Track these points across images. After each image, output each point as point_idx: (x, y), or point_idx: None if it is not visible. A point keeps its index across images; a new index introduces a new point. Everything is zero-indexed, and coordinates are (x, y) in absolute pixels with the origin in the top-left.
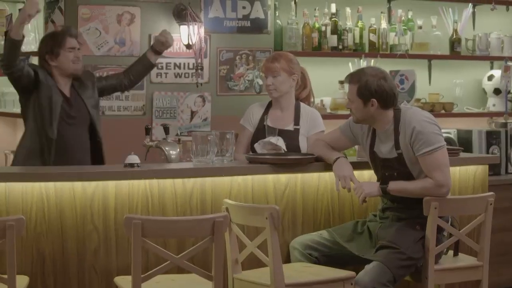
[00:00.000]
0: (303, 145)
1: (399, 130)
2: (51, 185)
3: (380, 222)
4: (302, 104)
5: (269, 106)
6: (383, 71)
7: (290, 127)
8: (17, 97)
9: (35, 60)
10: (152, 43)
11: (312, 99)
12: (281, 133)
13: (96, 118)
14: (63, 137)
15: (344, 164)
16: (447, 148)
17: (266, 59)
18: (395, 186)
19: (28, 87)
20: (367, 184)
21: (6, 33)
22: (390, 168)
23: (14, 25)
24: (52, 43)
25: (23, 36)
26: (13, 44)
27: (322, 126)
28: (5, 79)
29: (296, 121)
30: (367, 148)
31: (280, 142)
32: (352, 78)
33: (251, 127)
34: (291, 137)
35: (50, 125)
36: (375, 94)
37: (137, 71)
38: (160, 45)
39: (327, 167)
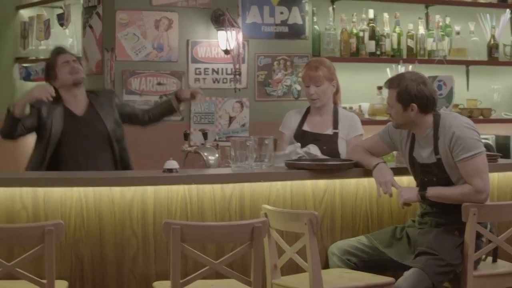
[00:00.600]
0: (342, 149)
1: (439, 135)
2: (90, 190)
3: (418, 227)
4: (340, 108)
5: (307, 112)
6: (423, 75)
7: (329, 131)
8: None
9: None
10: (182, 91)
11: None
12: (320, 137)
13: (114, 133)
14: (75, 155)
15: (384, 169)
16: (486, 154)
17: (307, 67)
18: (433, 192)
19: (36, 131)
20: (406, 190)
21: (8, 109)
22: (429, 174)
23: (18, 103)
24: (47, 69)
25: (25, 113)
26: (14, 120)
27: (360, 130)
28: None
29: (335, 125)
30: (406, 153)
31: (313, 149)
32: (392, 83)
33: (289, 133)
34: (330, 141)
35: (46, 145)
36: (415, 99)
37: (159, 113)
38: (184, 95)
39: (366, 172)
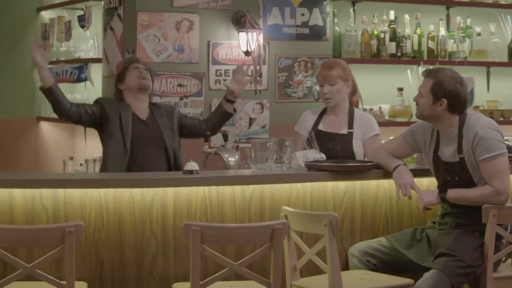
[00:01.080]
0: (357, 149)
1: (463, 134)
2: (110, 191)
3: (439, 229)
4: (355, 109)
5: (323, 112)
6: (461, 76)
7: (344, 131)
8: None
9: (94, 67)
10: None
11: (360, 105)
12: (335, 137)
13: (170, 144)
14: (139, 158)
15: (404, 171)
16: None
17: (321, 67)
18: (454, 194)
19: (96, 124)
20: (426, 193)
21: (41, 88)
22: (452, 173)
23: (39, 76)
24: (118, 73)
25: (54, 81)
26: (47, 93)
27: (377, 129)
28: (63, 86)
29: (350, 125)
30: (430, 153)
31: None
32: (431, 73)
33: (305, 133)
34: (345, 141)
35: (124, 147)
36: (448, 95)
37: (215, 120)
38: (230, 95)
39: (386, 174)
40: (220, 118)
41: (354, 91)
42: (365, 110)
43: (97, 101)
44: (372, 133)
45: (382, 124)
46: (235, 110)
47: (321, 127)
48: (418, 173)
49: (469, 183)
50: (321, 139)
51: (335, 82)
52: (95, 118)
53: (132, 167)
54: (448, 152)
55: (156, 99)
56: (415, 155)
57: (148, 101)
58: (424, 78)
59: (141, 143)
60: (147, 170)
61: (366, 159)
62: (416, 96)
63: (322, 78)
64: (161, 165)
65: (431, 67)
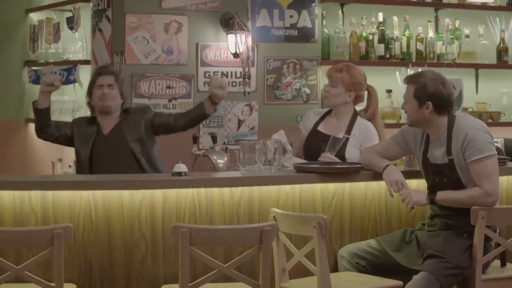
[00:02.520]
0: (350, 155)
1: (452, 136)
2: (98, 193)
3: (428, 230)
4: (359, 117)
5: (327, 113)
6: (443, 76)
7: (341, 135)
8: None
9: (82, 69)
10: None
11: (379, 123)
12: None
13: (139, 152)
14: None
15: (394, 170)
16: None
17: (333, 66)
18: (443, 196)
19: (71, 144)
20: (415, 192)
21: (33, 105)
22: (440, 174)
23: (39, 96)
24: (88, 86)
25: (49, 105)
26: (38, 113)
27: (375, 140)
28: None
29: (348, 130)
30: (420, 155)
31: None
32: (411, 79)
33: (305, 132)
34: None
35: (83, 167)
36: (432, 98)
37: (190, 117)
38: (215, 97)
39: (375, 176)
40: (197, 118)
41: (368, 106)
42: None
43: (72, 122)
44: (370, 144)
45: None
46: (215, 111)
47: (320, 128)
48: (407, 175)
49: (458, 185)
50: (317, 139)
51: (336, 85)
52: (68, 140)
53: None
54: (437, 154)
55: (144, 101)
56: (404, 157)
57: (117, 113)
58: (406, 85)
59: (104, 159)
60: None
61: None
62: (403, 104)
63: (328, 75)
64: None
65: (419, 69)
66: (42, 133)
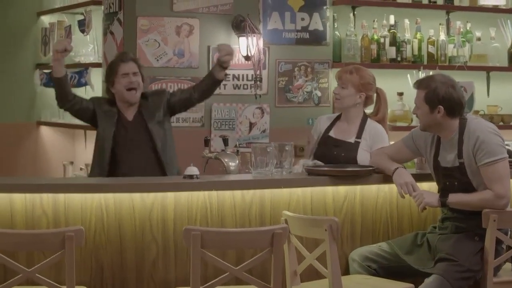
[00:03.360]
0: (361, 159)
1: (463, 139)
2: (110, 196)
3: (439, 233)
4: (369, 120)
5: (337, 118)
6: (453, 79)
7: (352, 139)
8: None
9: (93, 72)
10: (214, 58)
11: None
12: (341, 144)
13: (157, 138)
14: (123, 163)
15: (404, 172)
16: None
17: (343, 68)
18: (454, 198)
19: (92, 121)
20: (427, 193)
21: (50, 76)
22: (451, 177)
23: (52, 64)
24: (108, 72)
25: (65, 73)
26: (56, 82)
27: (386, 142)
28: None
29: (359, 134)
30: (431, 158)
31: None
32: (421, 83)
33: (317, 136)
34: (350, 149)
35: (104, 152)
36: (443, 101)
37: (204, 86)
38: (224, 63)
39: (386, 179)
40: (210, 86)
41: (377, 109)
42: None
43: (91, 99)
44: (380, 146)
45: None
46: (226, 75)
47: (331, 133)
48: (418, 177)
49: (469, 188)
50: (328, 144)
51: (346, 86)
52: (89, 114)
53: (116, 171)
54: (448, 158)
55: None
56: (415, 160)
57: (138, 101)
58: (416, 90)
59: (125, 146)
60: (137, 169)
61: None
62: (414, 109)
63: (338, 77)
64: (146, 165)
65: (431, 72)
66: (64, 103)
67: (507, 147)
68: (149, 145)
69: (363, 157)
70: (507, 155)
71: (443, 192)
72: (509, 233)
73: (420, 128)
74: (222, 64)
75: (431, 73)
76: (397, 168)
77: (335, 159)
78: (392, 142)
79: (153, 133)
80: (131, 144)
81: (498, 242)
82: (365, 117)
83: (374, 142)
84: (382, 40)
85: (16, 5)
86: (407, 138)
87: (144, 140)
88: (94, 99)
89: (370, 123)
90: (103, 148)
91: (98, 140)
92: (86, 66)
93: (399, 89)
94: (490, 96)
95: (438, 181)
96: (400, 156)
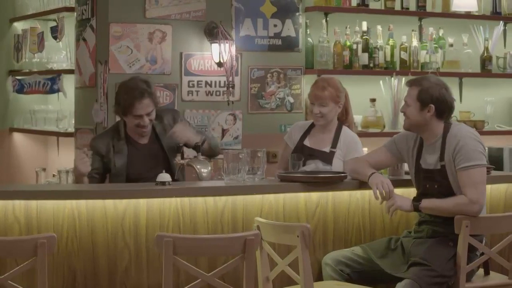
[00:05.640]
0: (336, 168)
1: (446, 142)
2: (82, 202)
3: (414, 238)
4: (344, 128)
5: (312, 126)
6: (445, 82)
7: (327, 149)
8: (48, 114)
9: (66, 78)
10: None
11: (353, 123)
12: (316, 153)
13: (172, 160)
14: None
15: (380, 175)
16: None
17: (314, 86)
18: (427, 203)
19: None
20: (399, 197)
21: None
22: (432, 180)
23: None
24: (123, 102)
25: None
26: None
27: (360, 152)
28: (36, 97)
29: (334, 144)
30: (413, 161)
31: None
32: (414, 81)
33: (291, 145)
34: (325, 159)
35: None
36: (435, 101)
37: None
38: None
39: (359, 185)
40: (207, 153)
41: (346, 111)
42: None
43: (95, 154)
44: (354, 155)
45: None
46: (197, 144)
47: (306, 142)
48: (392, 184)
49: (449, 191)
50: (303, 154)
51: (326, 104)
52: (105, 171)
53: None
54: (430, 160)
55: None
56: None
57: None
58: (408, 88)
59: (142, 169)
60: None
61: None
62: (403, 107)
63: (314, 98)
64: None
65: (403, 78)
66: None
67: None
68: (164, 166)
69: (337, 165)
70: (485, 163)
71: (420, 196)
72: (484, 240)
73: (405, 127)
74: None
75: (403, 79)
76: (373, 173)
77: (294, 167)
78: (364, 149)
79: (168, 154)
80: (146, 168)
81: (473, 248)
82: (339, 125)
83: (348, 151)
84: (354, 46)
85: None
86: (389, 144)
87: (160, 161)
88: (99, 149)
89: (345, 131)
90: (117, 179)
91: (113, 176)
92: (59, 73)
93: (372, 95)
94: (462, 102)
95: (418, 185)
96: (382, 162)
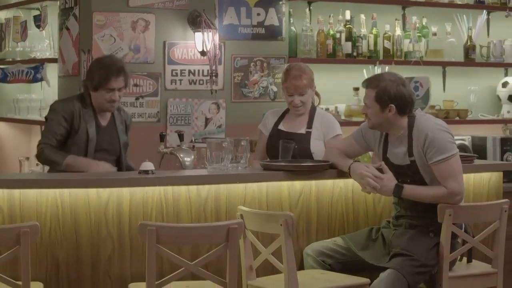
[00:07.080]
0: (316, 149)
1: (413, 137)
2: (65, 191)
3: (393, 229)
4: (318, 109)
5: (285, 112)
6: (401, 77)
7: (303, 130)
8: (32, 103)
9: (49, 67)
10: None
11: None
12: (293, 136)
13: (124, 147)
14: None
15: (358, 165)
16: (462, 155)
17: (290, 77)
18: (410, 190)
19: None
20: (388, 178)
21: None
22: (403, 175)
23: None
24: (98, 77)
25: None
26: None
27: (338, 130)
28: (19, 86)
29: (309, 124)
30: (380, 154)
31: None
32: (370, 83)
33: (266, 132)
34: (302, 140)
35: (85, 154)
36: (394, 100)
37: None
38: None
39: (342, 174)
40: None
41: (316, 93)
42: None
43: (62, 116)
44: (333, 134)
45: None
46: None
47: (281, 126)
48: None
49: (422, 184)
50: (280, 138)
51: (305, 92)
52: (66, 137)
53: None
54: (398, 155)
55: None
56: (370, 154)
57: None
58: (365, 90)
59: (99, 150)
60: None
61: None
62: (363, 108)
63: (293, 89)
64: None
65: (387, 67)
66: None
67: (461, 142)
68: (116, 153)
69: (316, 146)
70: (457, 151)
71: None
72: (463, 227)
73: (369, 127)
74: None
75: (386, 68)
76: (351, 164)
77: (288, 151)
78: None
79: (121, 142)
80: (102, 148)
81: (453, 236)
82: (313, 107)
83: (328, 130)
84: (338, 35)
85: None
86: (356, 133)
87: (114, 147)
88: (65, 113)
89: (320, 112)
90: (86, 148)
91: (77, 143)
92: (42, 62)
93: (355, 84)
94: (446, 91)
95: None
96: (352, 151)
